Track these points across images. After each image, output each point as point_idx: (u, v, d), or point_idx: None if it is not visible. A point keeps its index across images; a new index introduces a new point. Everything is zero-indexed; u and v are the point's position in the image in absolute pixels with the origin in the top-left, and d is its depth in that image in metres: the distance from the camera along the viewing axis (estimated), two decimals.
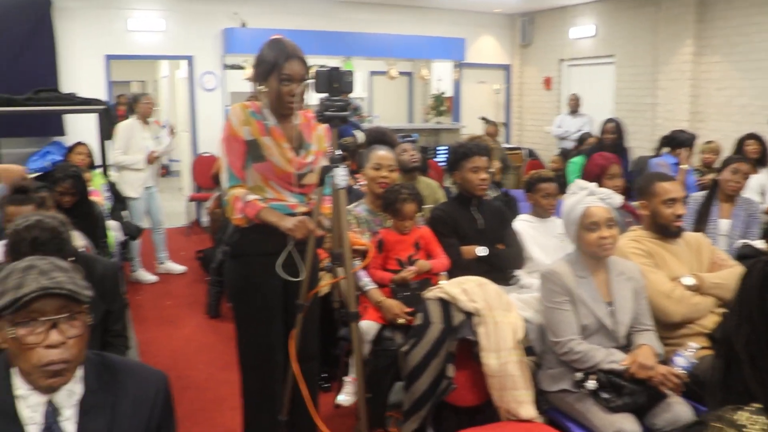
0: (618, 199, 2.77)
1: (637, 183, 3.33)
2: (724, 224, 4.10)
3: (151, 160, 6.00)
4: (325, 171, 2.48)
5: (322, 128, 2.72)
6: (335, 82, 2.44)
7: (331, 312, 3.28)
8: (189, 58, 8.96)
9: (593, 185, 2.75)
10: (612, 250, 2.66)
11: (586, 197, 2.68)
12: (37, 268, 1.44)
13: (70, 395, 1.50)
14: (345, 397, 3.47)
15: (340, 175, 2.43)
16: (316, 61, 8.17)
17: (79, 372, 1.52)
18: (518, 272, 3.43)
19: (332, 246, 2.56)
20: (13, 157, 6.72)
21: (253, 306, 2.71)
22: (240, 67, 8.92)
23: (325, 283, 2.84)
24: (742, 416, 1.20)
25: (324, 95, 2.45)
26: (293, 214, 2.60)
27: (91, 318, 1.51)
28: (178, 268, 6.53)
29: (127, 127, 6.03)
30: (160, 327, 5.08)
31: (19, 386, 1.48)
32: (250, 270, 2.69)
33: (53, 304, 1.42)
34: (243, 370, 2.81)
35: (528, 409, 2.58)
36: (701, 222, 4.11)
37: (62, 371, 1.44)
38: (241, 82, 8.31)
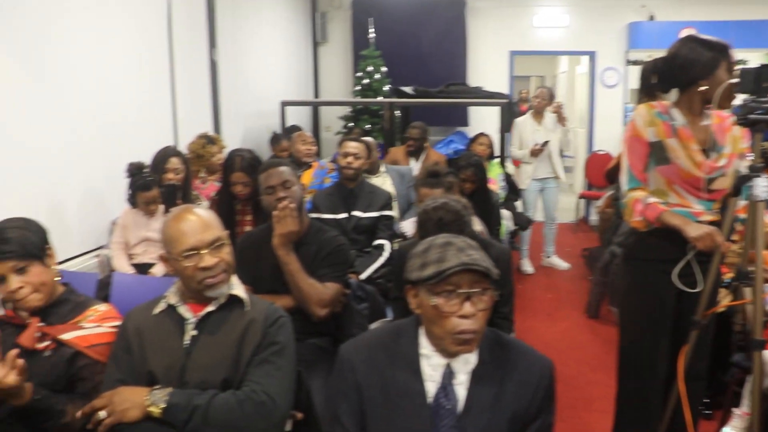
0: None
1: None
2: None
3: (534, 153, 6.10)
4: (743, 180, 2.23)
5: (739, 129, 2.46)
6: (764, 81, 2.18)
7: (725, 333, 2.98)
8: (591, 54, 8.88)
9: None
10: None
11: None
12: (454, 245, 1.59)
13: (466, 363, 1.63)
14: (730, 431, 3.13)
15: (761, 186, 2.17)
16: (749, 63, 7.38)
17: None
18: None
19: (741, 263, 2.30)
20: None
21: (642, 313, 2.59)
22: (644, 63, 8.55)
23: (725, 303, 2.58)
24: None
25: (748, 96, 2.21)
26: (697, 222, 2.41)
27: (495, 296, 1.60)
28: (562, 264, 6.56)
29: (519, 122, 6.31)
30: (538, 318, 5.17)
31: (425, 346, 1.64)
32: (643, 275, 2.57)
33: (469, 278, 1.55)
34: (621, 376, 2.72)
35: None
36: None
37: (470, 341, 1.57)
38: None
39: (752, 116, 2.18)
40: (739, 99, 2.27)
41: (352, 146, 3.98)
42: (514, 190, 5.91)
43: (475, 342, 1.59)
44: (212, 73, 5.66)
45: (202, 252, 1.87)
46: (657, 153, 2.47)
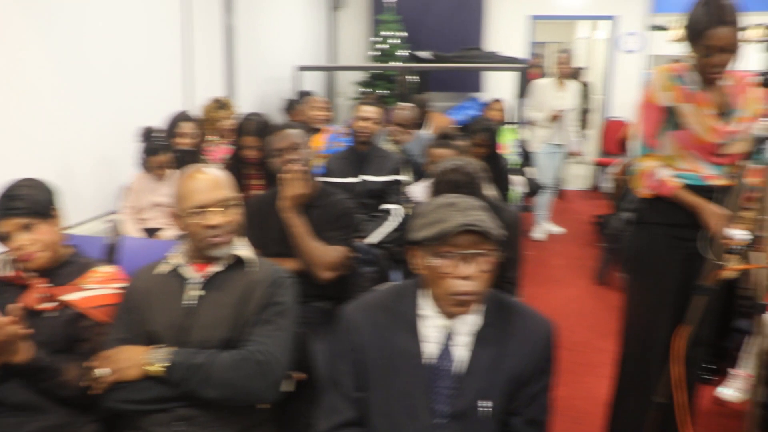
0: None
1: None
2: None
3: (553, 118, 6.03)
4: (758, 143, 2.20)
5: (757, 90, 2.42)
6: None
7: (728, 299, 2.97)
8: (611, 18, 8.74)
9: None
10: None
11: None
12: (457, 206, 1.57)
13: (466, 324, 1.63)
14: (732, 392, 3.15)
15: None
16: (763, 20, 7.17)
17: (481, 306, 1.64)
18: None
19: (753, 228, 2.28)
20: (436, 109, 7.40)
21: (647, 276, 2.59)
22: (665, 29, 8.39)
23: (732, 268, 2.57)
24: None
25: None
26: (706, 186, 2.42)
27: (499, 258, 1.58)
28: (555, 228, 6.54)
29: (539, 85, 6.22)
30: (546, 284, 5.18)
31: (425, 307, 1.65)
32: (652, 239, 2.57)
33: (470, 239, 1.52)
34: (622, 339, 2.73)
35: None
36: None
37: (467, 302, 1.56)
38: (666, 44, 7.84)
39: None
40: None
41: (368, 110, 3.98)
42: (527, 156, 5.88)
43: (473, 304, 1.58)
44: (228, 37, 5.65)
45: (210, 210, 1.88)
46: (671, 118, 2.44)
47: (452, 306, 1.57)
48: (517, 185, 5.00)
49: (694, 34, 2.33)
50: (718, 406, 3.28)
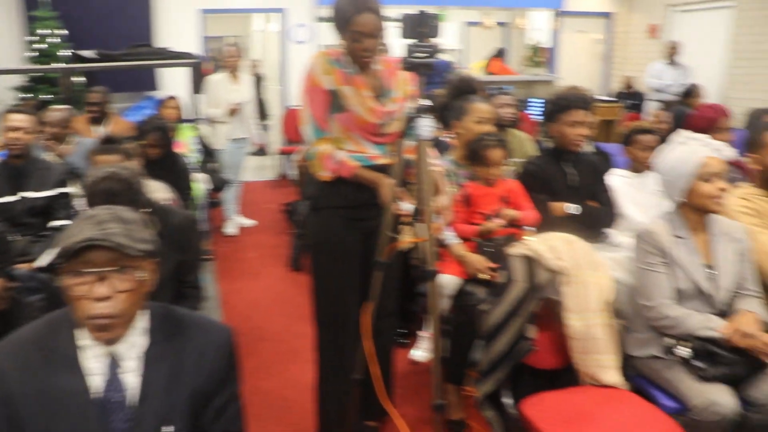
0: (730, 152, 2.54)
1: (749, 136, 3.06)
2: None
3: (232, 112, 6.00)
4: (410, 121, 2.35)
5: (405, 72, 2.58)
6: (422, 27, 2.29)
7: (411, 267, 3.20)
8: (281, 11, 8.92)
9: (704, 136, 2.54)
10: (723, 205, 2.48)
11: (700, 147, 2.47)
12: (96, 218, 1.40)
13: (132, 346, 1.47)
14: (421, 353, 3.39)
15: (425, 126, 2.29)
16: (409, 12, 7.83)
17: (144, 324, 1.50)
18: (609, 231, 3.23)
19: (414, 201, 2.45)
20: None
21: (330, 259, 2.66)
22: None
23: (403, 241, 2.74)
24: None
25: (411, 41, 2.30)
26: (374, 166, 2.54)
27: (148, 274, 1.45)
28: (246, 221, 6.57)
29: (213, 81, 6.09)
30: (242, 278, 5.15)
31: (84, 336, 1.46)
32: (329, 223, 2.64)
33: (102, 256, 1.36)
34: (317, 324, 2.78)
35: (612, 375, 2.44)
36: None
37: (108, 326, 1.39)
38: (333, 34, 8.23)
39: (413, 60, 2.28)
40: (404, 44, 2.35)
41: (18, 119, 3.54)
42: (208, 153, 5.76)
43: (118, 326, 1.42)
44: None
45: None
46: (335, 101, 2.51)
47: (93, 331, 1.40)
48: (201, 182, 4.88)
49: (342, 21, 2.43)
50: (413, 366, 3.52)
